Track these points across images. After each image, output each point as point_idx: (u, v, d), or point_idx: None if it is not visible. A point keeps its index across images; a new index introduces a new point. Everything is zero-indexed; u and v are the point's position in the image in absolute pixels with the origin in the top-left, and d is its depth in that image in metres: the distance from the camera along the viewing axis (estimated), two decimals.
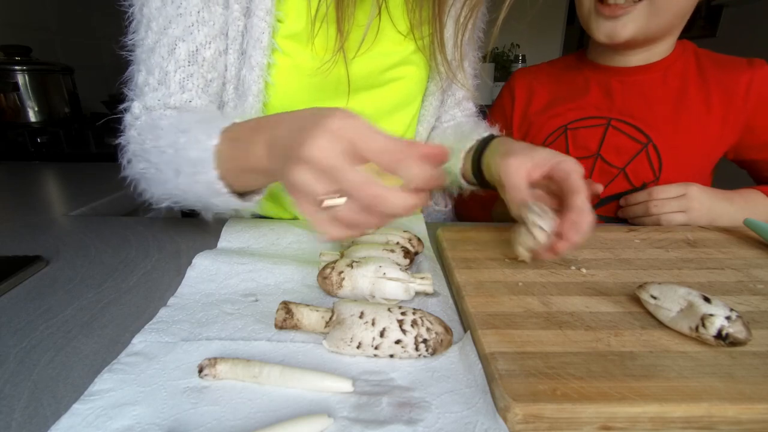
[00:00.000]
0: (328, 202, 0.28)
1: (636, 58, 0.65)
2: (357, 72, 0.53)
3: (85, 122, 1.28)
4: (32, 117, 1.19)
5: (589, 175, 0.68)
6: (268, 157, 0.34)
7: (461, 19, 0.53)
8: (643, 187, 0.63)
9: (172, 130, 0.43)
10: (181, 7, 0.46)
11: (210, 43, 0.48)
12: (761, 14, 1.78)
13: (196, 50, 0.47)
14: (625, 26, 0.58)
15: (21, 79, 1.14)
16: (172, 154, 0.42)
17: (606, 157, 0.65)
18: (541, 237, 0.38)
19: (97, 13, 1.60)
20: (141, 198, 0.49)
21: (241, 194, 0.42)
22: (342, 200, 0.28)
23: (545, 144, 0.70)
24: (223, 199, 0.41)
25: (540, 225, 0.38)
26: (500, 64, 2.66)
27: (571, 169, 0.41)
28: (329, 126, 0.27)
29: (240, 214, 0.55)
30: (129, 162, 0.48)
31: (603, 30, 0.59)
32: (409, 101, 0.60)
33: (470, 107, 0.68)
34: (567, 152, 0.68)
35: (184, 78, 0.48)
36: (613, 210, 0.66)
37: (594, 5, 0.59)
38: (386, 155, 0.27)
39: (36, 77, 1.17)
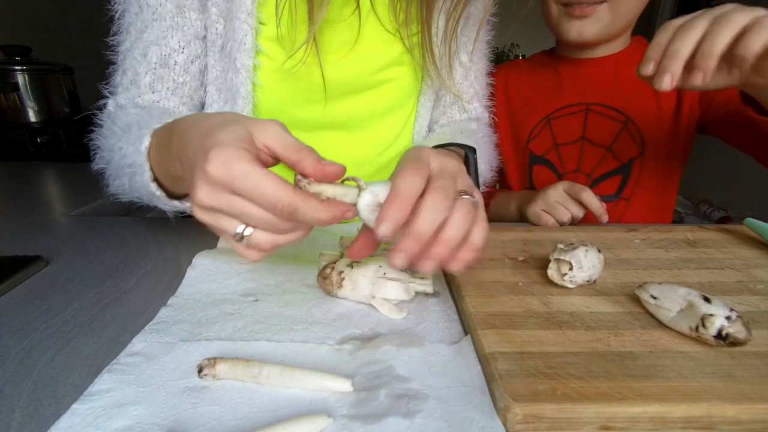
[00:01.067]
0: (242, 241, 0.29)
1: (600, 51, 0.70)
2: (342, 74, 0.52)
3: (85, 122, 1.28)
4: (32, 117, 1.19)
5: (577, 158, 0.73)
6: (183, 173, 0.34)
7: (451, 13, 0.53)
8: (630, 163, 0.70)
9: (120, 129, 0.45)
10: (156, 13, 0.48)
11: (183, 48, 0.49)
12: None
13: (169, 54, 0.49)
14: (592, 26, 0.64)
15: (21, 79, 1.14)
16: (118, 154, 0.44)
17: (591, 138, 0.71)
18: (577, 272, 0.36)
19: (97, 13, 1.60)
20: (107, 190, 0.50)
21: (181, 195, 0.44)
22: (250, 230, 0.29)
23: (530, 137, 0.75)
24: (160, 201, 0.43)
25: (562, 258, 0.36)
26: None
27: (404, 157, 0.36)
28: (207, 175, 0.26)
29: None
30: (94, 156, 0.50)
31: (573, 30, 0.64)
32: (403, 101, 0.59)
33: (473, 108, 0.65)
34: (553, 141, 0.73)
35: (154, 80, 0.50)
36: (612, 188, 0.71)
37: (561, 9, 0.65)
38: (277, 210, 0.27)
39: (36, 77, 1.17)
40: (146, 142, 0.40)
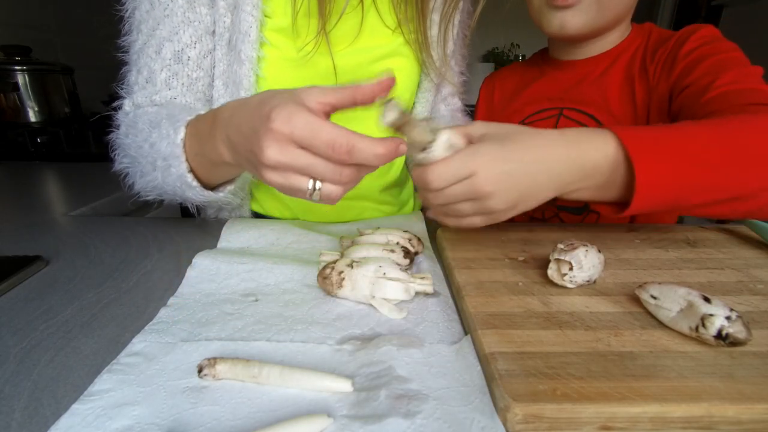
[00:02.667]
0: (314, 195, 0.31)
1: (589, 49, 0.65)
2: (345, 64, 0.53)
3: (85, 122, 1.28)
4: (32, 117, 1.19)
5: None
6: (230, 155, 0.36)
7: (444, 15, 0.55)
8: None
9: (148, 125, 0.46)
10: (167, 9, 0.48)
11: (195, 43, 0.50)
12: (761, 14, 1.78)
13: (182, 50, 0.50)
14: (575, 17, 0.58)
15: (21, 79, 1.15)
16: (148, 149, 0.45)
17: None
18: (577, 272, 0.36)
19: (97, 13, 1.60)
20: (131, 190, 0.50)
21: (214, 186, 0.46)
22: (319, 185, 0.31)
23: None
24: (195, 192, 0.44)
25: (562, 258, 0.37)
26: (500, 65, 2.66)
27: None
28: (274, 132, 0.29)
29: (224, 211, 0.57)
30: (117, 156, 0.51)
31: (554, 21, 0.59)
32: (401, 94, 0.60)
33: (455, 103, 0.69)
34: None
35: (169, 76, 0.50)
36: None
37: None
38: (335, 151, 0.29)
39: (36, 77, 1.17)
40: (182, 133, 0.41)
